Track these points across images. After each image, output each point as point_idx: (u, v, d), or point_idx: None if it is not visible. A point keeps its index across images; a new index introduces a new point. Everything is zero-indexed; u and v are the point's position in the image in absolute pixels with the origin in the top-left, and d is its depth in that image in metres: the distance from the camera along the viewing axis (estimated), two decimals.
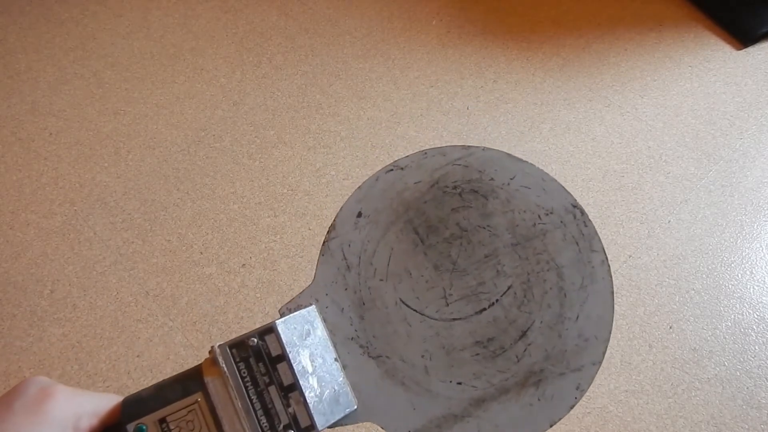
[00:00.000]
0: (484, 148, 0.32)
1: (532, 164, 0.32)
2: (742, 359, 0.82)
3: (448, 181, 0.32)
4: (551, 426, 0.29)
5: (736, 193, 0.99)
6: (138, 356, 0.83)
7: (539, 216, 0.31)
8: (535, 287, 0.31)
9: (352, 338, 0.30)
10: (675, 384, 0.80)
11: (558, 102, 1.12)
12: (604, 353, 0.30)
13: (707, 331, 0.84)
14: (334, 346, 0.30)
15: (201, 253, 0.92)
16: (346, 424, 0.29)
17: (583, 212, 0.31)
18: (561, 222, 0.31)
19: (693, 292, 0.88)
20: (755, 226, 0.95)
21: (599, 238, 0.31)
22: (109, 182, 1.01)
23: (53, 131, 1.08)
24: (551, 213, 0.31)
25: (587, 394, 0.79)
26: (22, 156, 1.04)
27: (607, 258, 0.31)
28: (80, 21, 1.26)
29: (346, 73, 1.16)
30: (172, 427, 0.27)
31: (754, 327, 0.85)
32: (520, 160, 0.32)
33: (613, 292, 0.31)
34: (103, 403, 0.27)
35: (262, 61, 1.18)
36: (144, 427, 0.27)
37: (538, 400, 0.30)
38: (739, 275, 0.90)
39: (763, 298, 0.87)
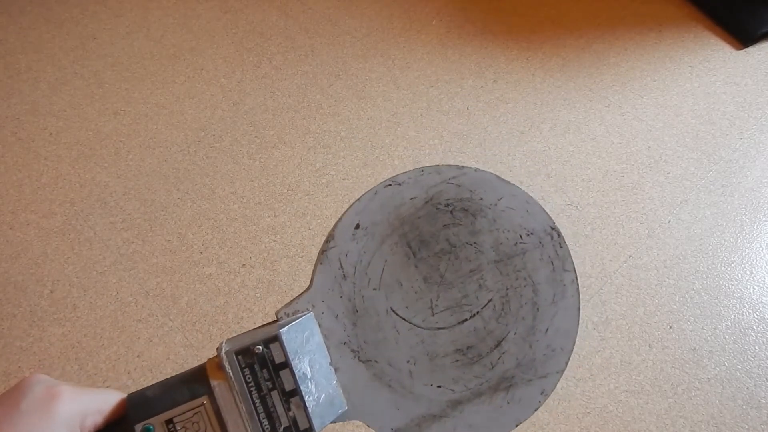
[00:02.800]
0: (476, 169, 0.35)
1: (518, 187, 0.35)
2: (742, 359, 0.82)
3: (441, 198, 0.35)
4: (517, 425, 0.33)
5: (736, 193, 0.99)
6: (138, 356, 0.83)
7: (521, 236, 0.34)
8: (512, 301, 0.34)
9: (344, 343, 0.33)
10: (675, 384, 0.80)
11: (558, 102, 1.12)
12: (567, 363, 0.34)
13: (707, 331, 0.84)
14: (329, 350, 0.33)
15: (201, 253, 0.92)
16: (336, 422, 0.32)
17: (559, 234, 0.35)
18: (540, 242, 0.34)
19: (693, 292, 0.88)
20: (755, 226, 0.95)
21: (571, 259, 0.35)
22: (109, 182, 1.01)
23: (53, 131, 1.08)
24: (532, 234, 0.34)
25: (587, 394, 0.79)
26: (22, 156, 1.04)
27: (576, 277, 0.35)
28: (80, 21, 1.26)
29: (346, 73, 1.16)
30: (178, 428, 0.28)
31: (754, 327, 0.85)
32: (508, 182, 0.35)
33: (579, 308, 0.34)
34: (107, 400, 0.28)
35: (262, 61, 1.18)
36: (151, 428, 0.28)
37: (508, 402, 0.33)
38: (739, 275, 0.90)
39: (763, 298, 0.87)
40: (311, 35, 1.23)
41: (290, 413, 0.29)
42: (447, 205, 0.34)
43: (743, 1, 1.23)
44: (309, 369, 0.30)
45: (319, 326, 0.32)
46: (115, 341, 0.84)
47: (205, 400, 0.28)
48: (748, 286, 0.88)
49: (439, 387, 0.33)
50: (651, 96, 1.13)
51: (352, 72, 1.17)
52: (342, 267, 0.33)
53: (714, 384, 0.80)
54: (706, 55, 1.19)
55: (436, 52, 1.20)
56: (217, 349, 0.29)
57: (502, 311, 0.33)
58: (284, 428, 0.29)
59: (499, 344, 0.33)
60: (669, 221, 0.95)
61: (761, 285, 0.88)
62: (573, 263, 0.34)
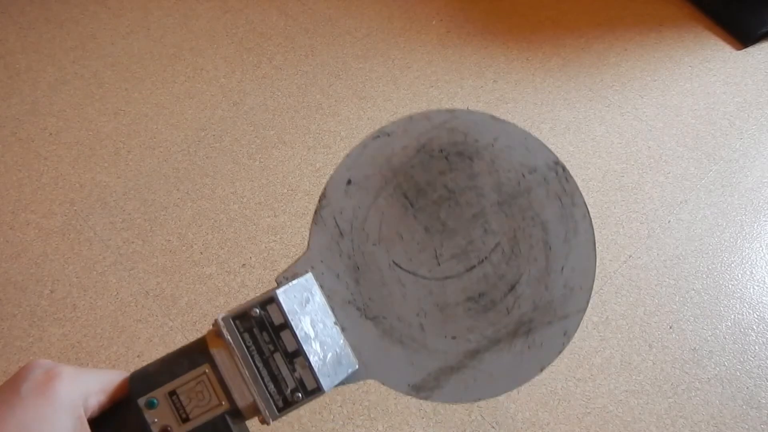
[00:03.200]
0: (468, 111, 0.33)
1: (514, 125, 0.33)
2: (742, 359, 0.82)
3: (434, 144, 0.33)
4: (542, 371, 0.31)
5: (736, 193, 0.99)
6: (138, 356, 0.83)
7: (523, 174, 0.32)
8: (521, 243, 0.32)
9: (349, 302, 0.32)
10: (675, 384, 0.80)
11: (558, 102, 1.12)
12: (588, 301, 0.32)
13: (707, 331, 0.84)
14: (333, 310, 0.31)
15: (201, 253, 0.92)
16: (350, 383, 0.31)
17: (564, 169, 0.32)
18: (544, 179, 0.32)
19: (693, 292, 0.88)
20: (755, 226, 0.95)
21: (580, 192, 0.32)
22: (109, 182, 1.01)
23: (53, 131, 1.08)
24: (534, 171, 0.32)
25: (587, 394, 0.79)
26: (22, 156, 1.04)
27: (588, 211, 0.32)
28: (80, 21, 1.26)
29: (346, 73, 1.16)
30: (182, 398, 0.27)
31: (754, 327, 0.85)
32: (503, 120, 0.33)
33: (594, 243, 0.33)
34: (109, 379, 0.28)
35: (262, 61, 1.18)
36: (155, 401, 0.27)
37: (528, 348, 0.31)
38: (739, 275, 0.89)
39: (763, 298, 0.87)
40: (311, 35, 1.23)
41: (296, 374, 0.28)
42: (441, 151, 0.32)
43: (743, 1, 1.23)
44: (311, 329, 0.29)
45: (321, 287, 0.31)
46: (115, 341, 0.84)
47: (206, 368, 0.28)
48: (748, 286, 0.88)
49: (454, 338, 0.31)
50: (651, 96, 1.13)
51: (352, 72, 1.17)
52: (338, 225, 0.32)
53: (714, 384, 0.80)
54: (706, 55, 1.19)
55: (436, 52, 1.20)
56: (215, 319, 0.29)
57: (512, 254, 0.32)
58: (291, 390, 0.28)
59: (512, 288, 0.32)
60: (669, 221, 0.95)
61: (761, 285, 0.88)
62: (583, 197, 0.32)
